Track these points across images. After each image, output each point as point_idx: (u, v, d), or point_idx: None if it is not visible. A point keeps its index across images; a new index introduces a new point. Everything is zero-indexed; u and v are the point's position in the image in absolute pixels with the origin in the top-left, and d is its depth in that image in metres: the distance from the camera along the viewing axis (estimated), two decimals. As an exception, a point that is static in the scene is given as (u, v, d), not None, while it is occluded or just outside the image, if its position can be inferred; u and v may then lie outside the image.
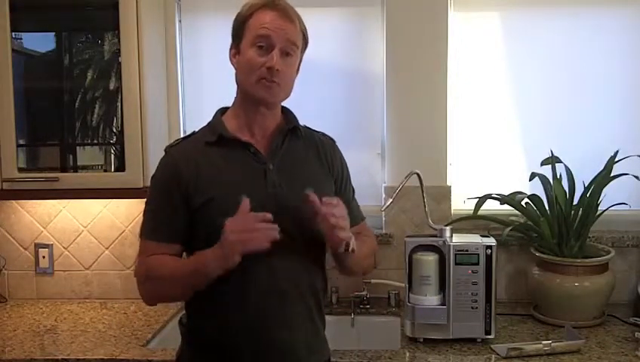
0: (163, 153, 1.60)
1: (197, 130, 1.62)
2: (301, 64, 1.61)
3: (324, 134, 1.70)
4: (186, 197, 1.51)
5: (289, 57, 1.52)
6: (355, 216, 1.68)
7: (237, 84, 1.58)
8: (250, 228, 1.40)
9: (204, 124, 1.63)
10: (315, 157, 1.63)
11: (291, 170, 1.56)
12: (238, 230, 1.39)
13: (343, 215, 1.47)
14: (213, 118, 1.62)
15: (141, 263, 1.55)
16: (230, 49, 1.58)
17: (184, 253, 1.57)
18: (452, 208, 2.48)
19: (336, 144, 1.71)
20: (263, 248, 1.39)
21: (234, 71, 1.58)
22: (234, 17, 1.57)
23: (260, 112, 1.56)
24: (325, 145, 1.66)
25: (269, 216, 1.41)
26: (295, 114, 1.65)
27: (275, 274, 1.52)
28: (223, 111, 1.62)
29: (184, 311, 1.63)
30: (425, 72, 2.44)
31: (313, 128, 1.69)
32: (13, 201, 2.55)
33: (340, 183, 1.66)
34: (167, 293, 1.58)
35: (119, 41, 2.23)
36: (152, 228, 1.54)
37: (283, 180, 1.54)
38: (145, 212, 1.57)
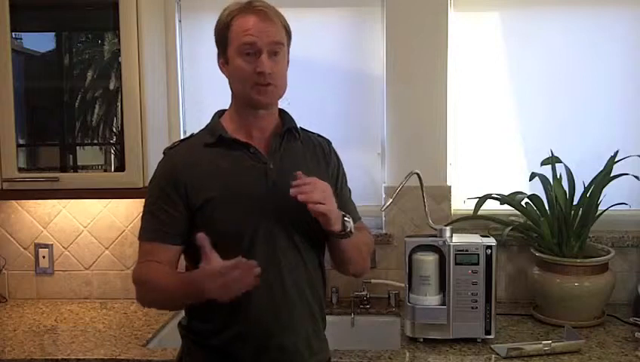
0: (163, 153, 1.60)
1: (195, 132, 1.63)
2: (289, 55, 1.60)
3: (319, 135, 1.71)
4: (185, 199, 1.51)
5: (277, 56, 1.52)
6: (352, 216, 1.69)
7: (232, 91, 1.58)
8: (228, 281, 1.34)
9: (205, 123, 1.63)
10: (313, 158, 1.63)
11: (291, 170, 1.55)
12: (217, 283, 1.34)
13: (314, 190, 1.44)
14: (212, 120, 1.62)
15: (139, 268, 1.54)
16: (218, 58, 1.58)
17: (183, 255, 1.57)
18: (452, 208, 2.48)
19: (332, 144, 1.72)
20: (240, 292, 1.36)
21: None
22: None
23: (259, 115, 1.57)
24: (322, 146, 1.67)
25: (253, 263, 1.35)
26: (292, 115, 1.65)
27: (276, 274, 1.52)
28: (220, 113, 1.63)
29: (184, 313, 1.63)
30: (425, 72, 2.44)
31: (309, 130, 1.70)
32: (13, 201, 2.55)
33: (336, 183, 1.66)
34: (161, 304, 1.63)
35: (119, 41, 2.23)
36: (151, 230, 1.54)
37: (283, 179, 1.53)
38: (143, 215, 1.56)
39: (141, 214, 1.57)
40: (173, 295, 1.48)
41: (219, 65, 1.58)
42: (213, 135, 1.56)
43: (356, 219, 1.70)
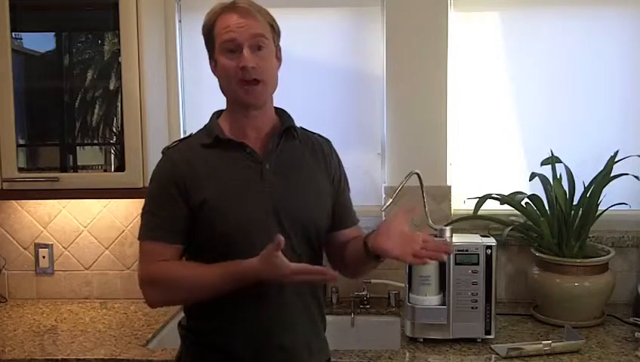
0: (161, 153, 1.61)
1: (194, 132, 1.63)
2: (281, 52, 1.59)
3: (320, 135, 1.70)
4: (185, 197, 1.50)
5: (262, 50, 1.51)
6: (353, 218, 1.69)
7: (223, 93, 1.57)
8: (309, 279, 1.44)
9: (204, 124, 1.63)
10: (312, 157, 1.62)
11: (287, 170, 1.56)
12: (296, 278, 1.43)
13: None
14: (210, 120, 1.62)
15: (151, 268, 1.52)
16: (209, 62, 1.58)
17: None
18: (452, 208, 2.48)
19: (332, 144, 1.71)
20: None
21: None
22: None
23: (252, 115, 1.56)
24: (321, 145, 1.66)
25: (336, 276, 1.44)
26: (291, 114, 1.64)
27: None
28: (218, 113, 1.62)
29: (183, 314, 1.63)
30: (425, 72, 2.44)
31: (309, 129, 1.69)
32: (13, 201, 2.55)
33: (337, 183, 1.66)
34: (184, 299, 1.57)
35: (119, 41, 2.23)
36: (152, 229, 1.53)
37: (279, 179, 1.54)
38: (143, 214, 1.56)
39: (140, 213, 1.57)
40: (210, 286, 1.46)
41: (211, 70, 1.58)
42: (210, 135, 1.56)
43: (355, 221, 1.70)
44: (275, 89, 1.58)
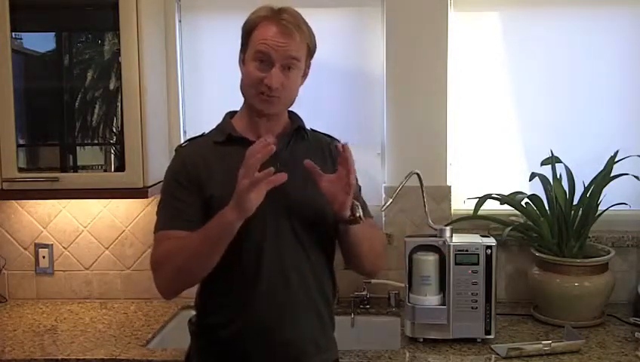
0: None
1: (206, 131, 1.66)
2: (309, 69, 1.62)
3: (329, 135, 1.72)
4: (197, 188, 1.53)
5: (291, 71, 1.53)
6: (365, 213, 1.69)
7: (241, 91, 1.59)
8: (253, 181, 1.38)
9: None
10: (321, 157, 1.64)
11: (297, 170, 1.56)
12: (245, 185, 1.38)
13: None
14: (223, 120, 1.65)
15: (157, 251, 1.53)
16: (240, 54, 1.59)
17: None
18: (452, 208, 2.48)
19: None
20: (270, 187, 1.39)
21: (238, 74, 1.59)
22: (241, 19, 1.58)
23: (265, 119, 1.59)
24: (330, 146, 1.68)
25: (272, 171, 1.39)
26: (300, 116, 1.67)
27: (283, 272, 1.53)
28: (232, 114, 1.65)
29: (194, 312, 1.64)
30: (425, 71, 2.44)
31: (318, 130, 1.71)
32: (13, 201, 2.55)
33: None
34: (188, 269, 1.52)
35: (119, 41, 2.22)
36: (168, 220, 1.55)
37: (290, 178, 1.54)
38: (158, 210, 1.58)
39: (156, 212, 1.58)
40: (199, 247, 1.45)
41: (239, 61, 1.60)
42: (223, 133, 1.59)
43: (368, 215, 1.71)
44: (292, 103, 1.61)
